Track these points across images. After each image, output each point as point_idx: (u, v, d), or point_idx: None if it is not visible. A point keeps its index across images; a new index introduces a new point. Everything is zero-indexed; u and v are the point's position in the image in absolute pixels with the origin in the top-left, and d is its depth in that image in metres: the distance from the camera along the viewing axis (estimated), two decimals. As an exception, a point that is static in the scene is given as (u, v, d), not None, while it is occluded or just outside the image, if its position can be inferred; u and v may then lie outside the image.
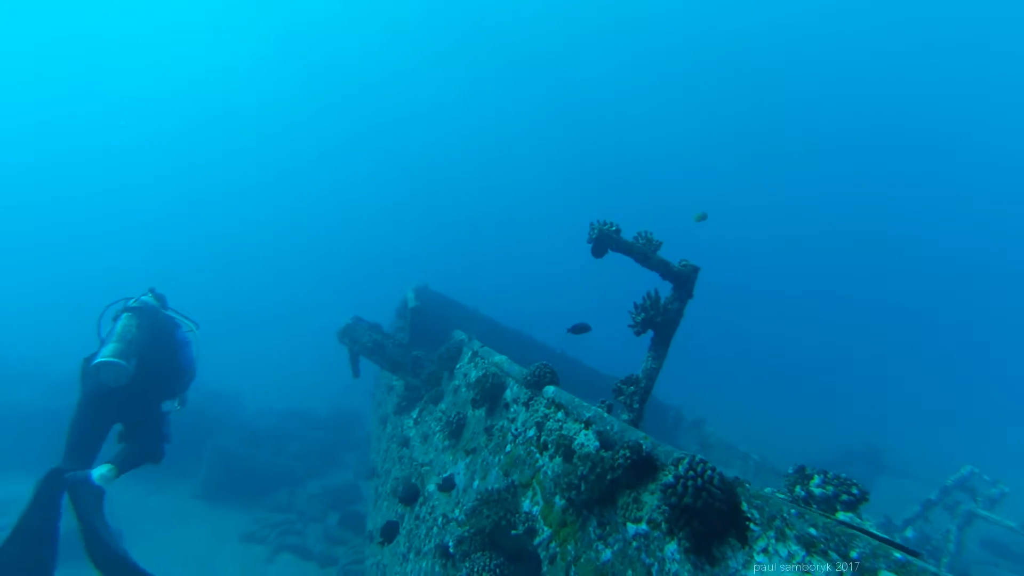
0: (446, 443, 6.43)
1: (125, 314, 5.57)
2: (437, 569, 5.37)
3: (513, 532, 4.08)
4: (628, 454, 3.26)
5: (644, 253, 5.21)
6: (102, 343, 5.40)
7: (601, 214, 5.33)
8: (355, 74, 70.85)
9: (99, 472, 5.03)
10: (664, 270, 5.24)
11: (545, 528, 3.90)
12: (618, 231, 5.19)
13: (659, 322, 5.13)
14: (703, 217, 7.96)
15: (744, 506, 2.48)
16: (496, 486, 4.75)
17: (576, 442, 3.93)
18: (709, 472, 2.62)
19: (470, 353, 7.10)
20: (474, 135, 74.44)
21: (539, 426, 4.53)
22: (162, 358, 5.67)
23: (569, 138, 71.70)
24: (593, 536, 3.39)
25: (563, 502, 3.81)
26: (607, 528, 3.34)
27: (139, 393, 5.43)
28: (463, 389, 6.74)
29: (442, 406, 7.14)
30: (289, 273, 64.43)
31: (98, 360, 5.09)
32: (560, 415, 4.35)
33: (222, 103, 71.17)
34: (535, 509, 4.11)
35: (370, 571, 8.03)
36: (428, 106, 72.70)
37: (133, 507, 14.07)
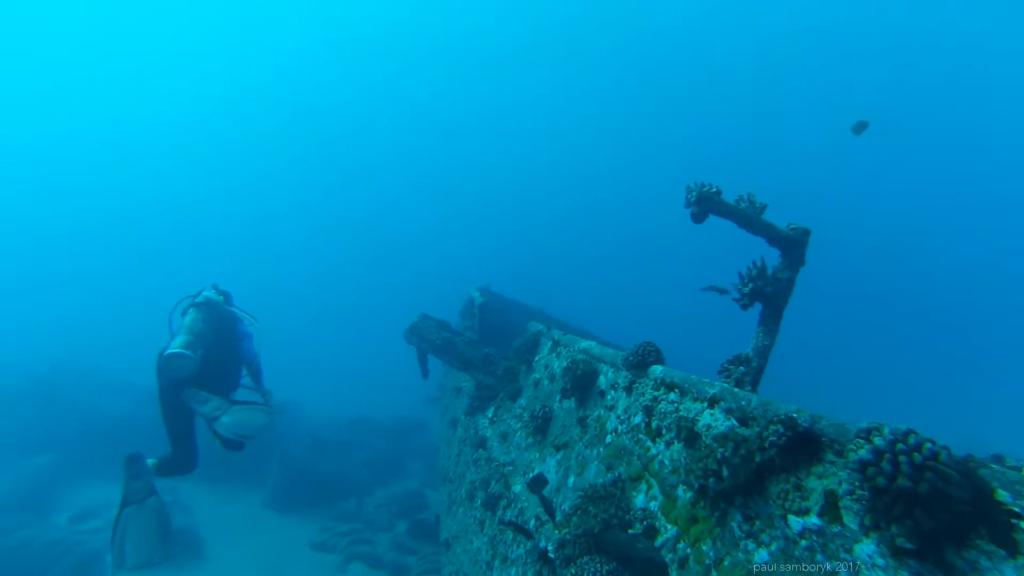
0: (529, 440, 5.91)
1: (192, 309, 5.79)
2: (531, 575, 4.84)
3: (630, 532, 3.51)
4: (782, 430, 2.65)
5: (748, 217, 4.59)
6: (172, 336, 5.57)
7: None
8: (419, 73, 71.76)
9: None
10: (771, 235, 4.61)
11: (669, 526, 3.31)
12: (719, 193, 4.60)
13: (768, 293, 4.49)
14: (863, 126, 7.24)
15: (1004, 495, 1.83)
16: (599, 481, 4.20)
17: (700, 424, 3.33)
18: (929, 446, 1.99)
19: (550, 343, 6.59)
20: (531, 137, 74.36)
21: (647, 411, 3.95)
22: (225, 350, 5.84)
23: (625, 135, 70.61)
24: (739, 533, 2.79)
25: (690, 494, 3.22)
26: (757, 523, 2.73)
27: (208, 378, 5.57)
28: (545, 382, 6.22)
29: (521, 402, 6.64)
30: (345, 282, 65.97)
31: (168, 351, 5.30)
32: (674, 396, 3.76)
33: (280, 103, 73.47)
34: (652, 504, 3.53)
35: (448, 580, 7.57)
36: (490, 108, 72.88)
37: (210, 514, 14.20)
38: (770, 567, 2.55)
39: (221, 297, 6.22)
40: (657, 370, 4.07)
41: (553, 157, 73.75)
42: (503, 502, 6.09)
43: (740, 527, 2.78)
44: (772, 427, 2.68)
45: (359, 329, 51.60)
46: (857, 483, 2.16)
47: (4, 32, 62.46)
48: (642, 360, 4.24)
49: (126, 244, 64.24)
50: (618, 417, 4.40)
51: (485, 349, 7.86)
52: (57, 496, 14.03)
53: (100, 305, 48.16)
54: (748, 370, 4.54)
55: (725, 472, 2.80)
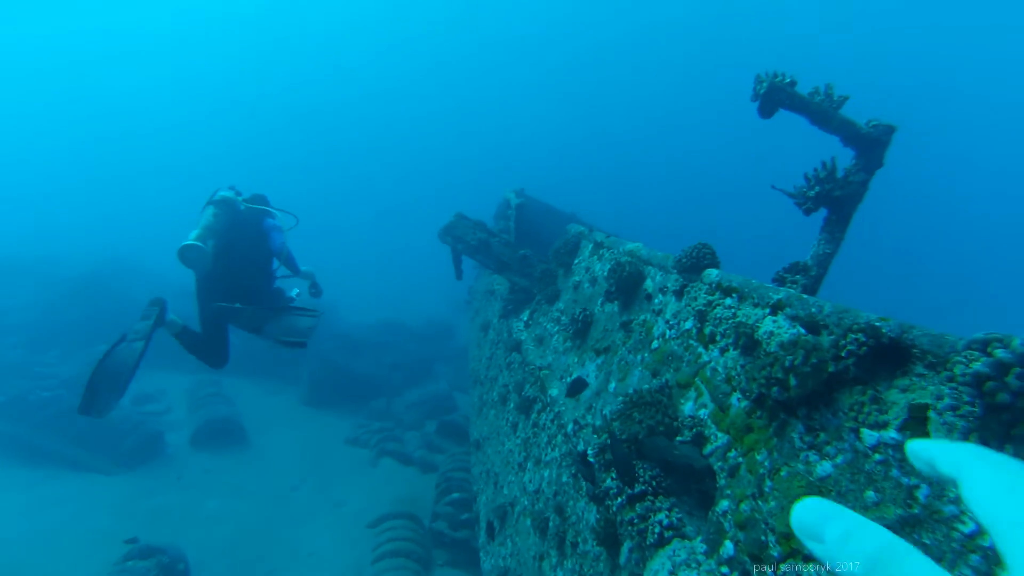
0: (568, 344, 5.76)
1: (208, 206, 6.00)
2: (566, 479, 4.83)
3: (678, 439, 3.35)
4: (863, 339, 2.36)
5: (824, 112, 4.05)
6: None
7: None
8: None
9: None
10: (848, 132, 4.08)
11: (719, 434, 3.13)
12: (793, 84, 4.04)
13: (837, 197, 4.05)
14: None
15: None
16: (643, 387, 4.02)
17: (762, 331, 3.05)
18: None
19: (591, 246, 6.27)
20: (560, 45, 70.27)
21: (700, 316, 3.68)
22: (249, 242, 6.02)
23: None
24: (799, 444, 2.58)
25: (746, 403, 3.00)
26: (821, 435, 2.51)
27: (236, 272, 5.83)
28: (586, 285, 5.97)
29: (559, 305, 6.44)
30: (377, 187, 65.78)
31: (181, 244, 5.49)
32: (731, 301, 3.47)
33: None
34: (702, 412, 3.35)
35: (479, 479, 7.79)
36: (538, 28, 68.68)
37: (255, 406, 14.92)
38: (834, 479, 2.35)
39: (239, 195, 6.32)
40: (712, 273, 3.75)
41: (584, 64, 69.76)
42: (538, 406, 6.07)
43: (802, 438, 2.57)
44: (851, 336, 2.38)
45: (390, 234, 51.86)
46: (967, 398, 1.88)
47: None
48: (696, 263, 3.92)
49: (166, 148, 64.73)
50: (666, 322, 4.15)
51: (521, 251, 7.60)
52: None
53: (140, 205, 49.11)
54: (807, 280, 4.19)
55: (792, 381, 2.55)
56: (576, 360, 5.48)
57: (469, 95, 74.05)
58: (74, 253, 20.16)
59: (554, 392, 5.43)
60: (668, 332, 4.10)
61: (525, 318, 7.29)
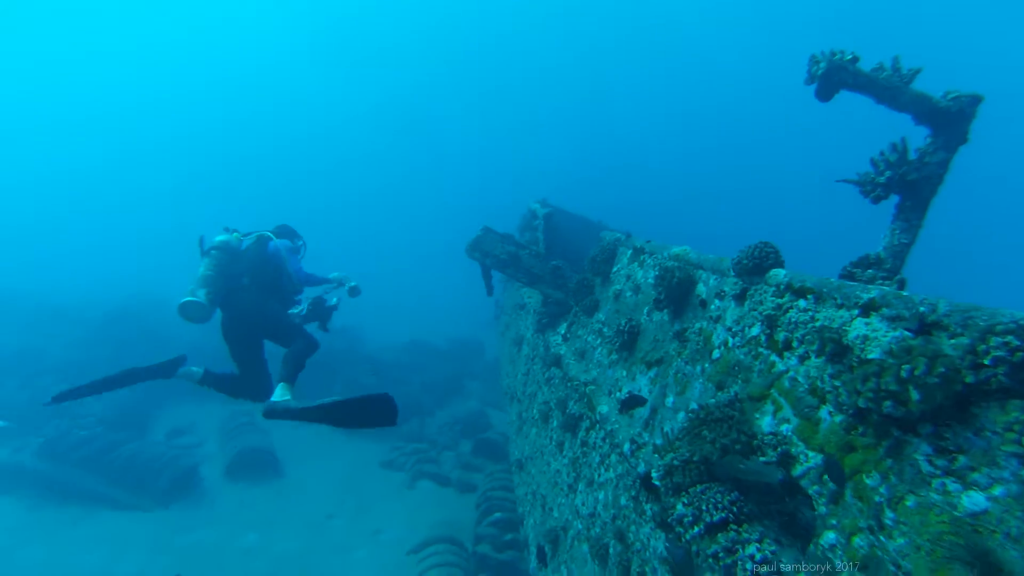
0: (614, 357, 5.44)
1: (203, 259, 5.84)
2: (625, 502, 4.49)
3: (762, 460, 3.01)
4: (1015, 342, 2.00)
5: (892, 87, 3.70)
6: None
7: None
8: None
9: (279, 393, 5.33)
10: (922, 107, 3.72)
11: (810, 453, 2.78)
12: (855, 60, 3.71)
13: (912, 181, 3.68)
14: None
15: None
16: (709, 401, 3.69)
17: (852, 335, 2.70)
18: None
19: (630, 252, 5.96)
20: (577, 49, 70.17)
21: (769, 321, 3.34)
22: (257, 275, 5.87)
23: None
24: (928, 467, 2.21)
25: (841, 417, 2.65)
26: (960, 458, 2.14)
27: (251, 308, 5.73)
28: (628, 293, 5.65)
29: (600, 316, 6.13)
30: (394, 208, 66.21)
31: (178, 302, 5.39)
32: (805, 303, 3.13)
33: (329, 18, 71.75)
34: (784, 428, 3.00)
35: (524, 500, 7.46)
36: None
37: (288, 433, 14.76)
38: (997, 517, 1.98)
39: (234, 232, 6.15)
40: (779, 274, 3.41)
41: (594, 70, 69.53)
42: (585, 423, 5.74)
43: (930, 461, 2.21)
44: (995, 339, 2.03)
45: (409, 253, 52.08)
46: None
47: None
48: (759, 263, 3.59)
49: (183, 171, 66.19)
50: (728, 329, 3.81)
51: (553, 262, 7.31)
52: (155, 416, 14.93)
53: (160, 244, 50.15)
54: (881, 275, 3.83)
55: (914, 394, 2.20)
56: (625, 374, 5.15)
57: (484, 110, 74.35)
58: (105, 292, 20.46)
59: (604, 409, 5.10)
60: (731, 340, 3.76)
61: (563, 331, 6.98)
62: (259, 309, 5.74)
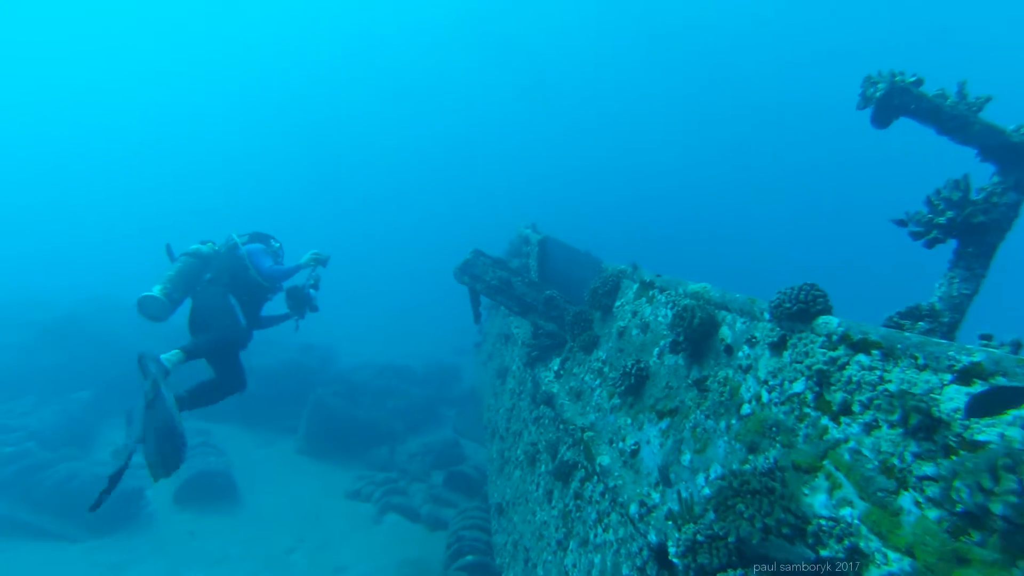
0: (616, 401, 4.91)
1: (173, 263, 6.04)
2: (628, 573, 3.92)
3: (824, 553, 2.49)
4: None
5: (959, 116, 3.32)
6: None
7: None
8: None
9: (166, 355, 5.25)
10: (992, 142, 3.35)
11: (890, 553, 2.25)
12: (918, 83, 3.33)
13: (978, 224, 3.28)
14: None
15: None
16: (743, 467, 3.19)
17: (949, 407, 2.23)
18: None
19: (636, 286, 5.49)
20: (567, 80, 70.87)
21: (820, 377, 2.87)
22: (228, 278, 5.97)
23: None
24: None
25: (936, 513, 2.14)
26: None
27: (204, 297, 5.81)
28: (634, 332, 5.15)
29: (600, 354, 5.61)
30: (372, 228, 65.38)
31: (138, 296, 5.56)
32: (868, 359, 2.66)
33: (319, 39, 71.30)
34: (845, 512, 2.49)
35: (503, 550, 6.80)
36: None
37: (247, 457, 13.87)
38: None
39: (205, 244, 6.27)
40: (832, 323, 2.95)
41: (590, 100, 70.41)
42: (580, 472, 5.17)
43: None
44: None
45: (388, 275, 51.23)
46: None
47: None
48: (804, 308, 3.12)
49: (152, 179, 64.49)
50: (761, 382, 3.33)
51: (547, 291, 6.80)
52: (101, 431, 13.79)
53: (129, 241, 48.44)
54: (933, 326, 3.40)
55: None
56: (630, 422, 4.62)
57: (470, 130, 74.51)
58: (53, 293, 19.20)
59: (605, 460, 4.55)
60: (766, 395, 3.27)
61: (555, 367, 6.45)
62: (209, 297, 5.78)
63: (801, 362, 3.05)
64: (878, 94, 3.22)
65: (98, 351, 15.87)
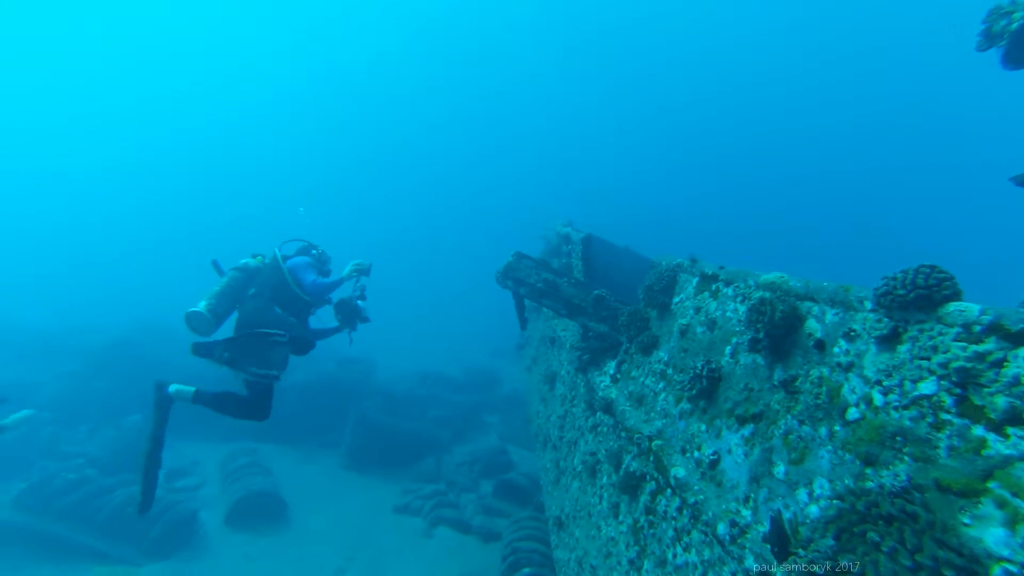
0: (686, 406, 4.48)
1: (221, 278, 6.10)
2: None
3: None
4: None
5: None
6: None
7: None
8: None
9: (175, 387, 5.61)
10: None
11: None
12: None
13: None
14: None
15: None
16: (851, 481, 2.74)
17: None
18: None
19: (695, 280, 5.04)
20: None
21: (962, 377, 2.40)
22: (273, 292, 5.92)
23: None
24: None
25: None
26: None
27: (247, 312, 5.77)
28: (699, 330, 4.71)
29: (661, 355, 5.18)
30: (401, 240, 65.75)
31: (186, 312, 5.62)
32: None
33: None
34: None
35: (566, 567, 6.41)
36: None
37: (291, 475, 13.80)
38: None
39: (255, 258, 6.33)
40: (972, 310, 2.47)
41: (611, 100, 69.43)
42: (650, 485, 4.75)
43: None
44: None
45: (415, 279, 51.38)
46: None
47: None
48: (926, 294, 2.65)
49: (201, 207, 66.27)
50: (871, 382, 2.86)
51: (595, 291, 6.39)
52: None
53: (175, 267, 49.77)
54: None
55: None
56: (704, 428, 4.19)
57: (499, 136, 74.30)
58: (105, 321, 19.61)
59: (680, 472, 4.12)
60: (879, 397, 2.80)
61: (611, 371, 6.03)
62: (252, 312, 5.73)
63: (928, 358, 2.57)
64: (1014, 26, 2.72)
65: (149, 374, 16.08)
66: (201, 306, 5.55)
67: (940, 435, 2.43)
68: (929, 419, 2.50)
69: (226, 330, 5.90)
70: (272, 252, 6.25)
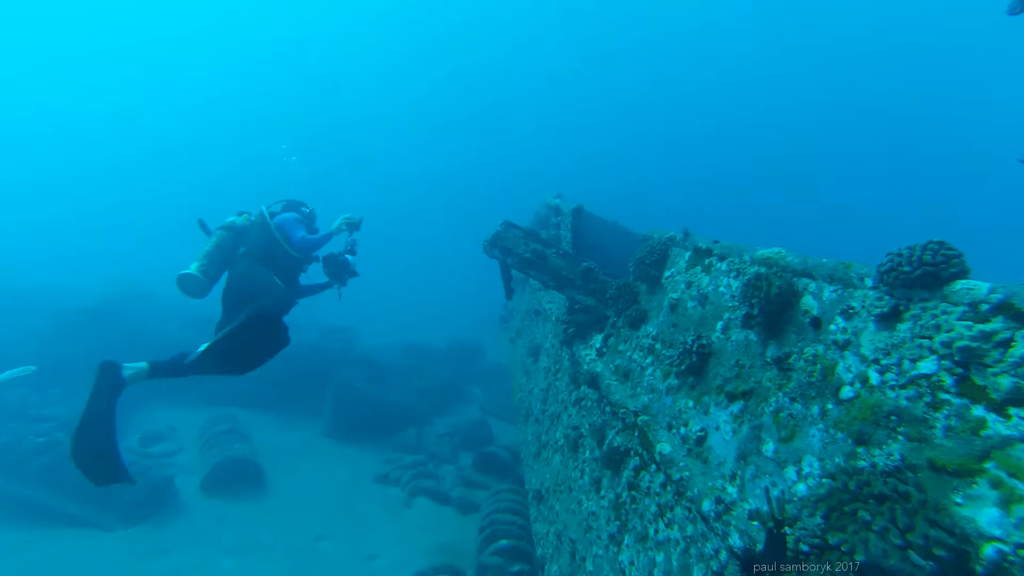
0: (673, 382, 4.41)
1: (209, 237, 5.96)
2: (703, 577, 3.46)
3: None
4: None
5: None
6: None
7: None
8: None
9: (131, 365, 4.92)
10: None
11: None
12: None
13: None
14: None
15: None
16: (842, 460, 2.68)
17: None
18: None
19: (688, 254, 4.94)
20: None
21: (965, 356, 2.32)
22: (263, 249, 5.80)
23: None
24: None
25: None
26: None
27: (238, 272, 5.65)
28: (690, 304, 4.62)
29: (649, 329, 5.09)
30: (385, 208, 64.97)
31: (178, 274, 5.51)
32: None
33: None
34: None
35: (545, 539, 6.41)
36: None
37: (271, 442, 13.70)
38: None
39: (241, 216, 6.20)
40: (980, 288, 2.39)
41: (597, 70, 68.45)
42: (633, 460, 4.70)
43: None
44: None
45: (405, 248, 50.95)
46: None
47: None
48: (932, 271, 2.56)
49: (183, 173, 64.75)
50: (869, 360, 2.79)
51: (584, 263, 6.28)
52: (129, 419, 13.67)
53: (158, 232, 48.70)
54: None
55: None
56: (692, 404, 4.12)
57: (484, 104, 73.16)
58: (83, 281, 19.07)
59: (666, 448, 4.06)
60: (875, 376, 2.73)
61: (597, 345, 5.95)
62: (245, 270, 5.62)
63: (930, 337, 2.49)
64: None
65: (127, 339, 15.73)
66: (193, 268, 5.46)
67: (937, 415, 2.37)
68: (927, 399, 2.43)
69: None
70: (259, 209, 6.13)
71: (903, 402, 2.54)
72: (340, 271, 6.24)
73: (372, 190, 68.16)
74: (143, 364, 4.84)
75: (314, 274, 6.44)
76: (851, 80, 61.07)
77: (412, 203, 66.56)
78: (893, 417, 2.56)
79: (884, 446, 2.55)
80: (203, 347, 4.91)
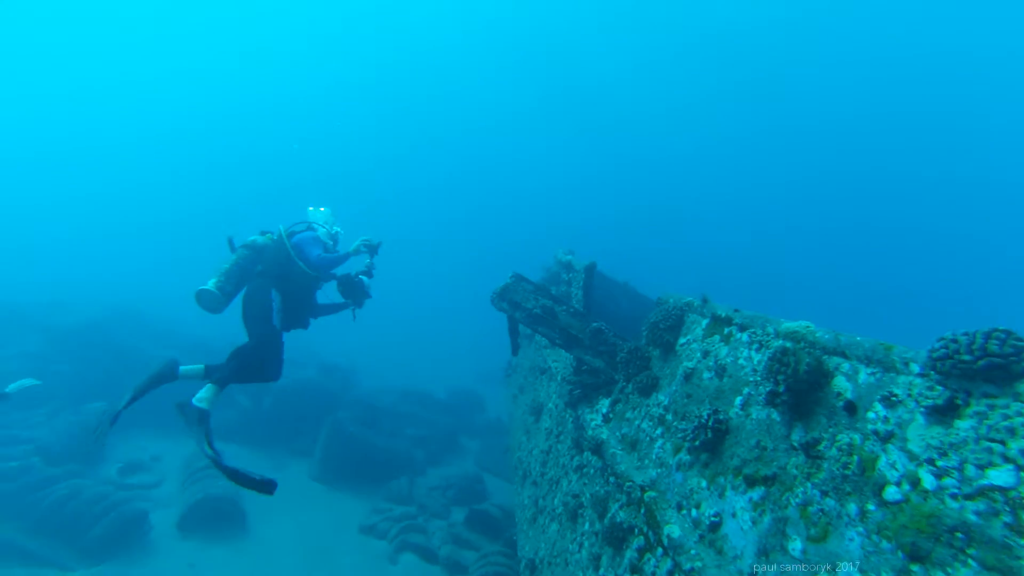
0: (685, 458, 4.03)
1: (231, 255, 6.09)
2: None
3: None
4: None
5: None
6: None
7: None
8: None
9: (201, 394, 5.24)
10: None
11: None
12: None
13: None
14: None
15: None
16: (888, 572, 2.29)
17: None
18: None
19: (706, 321, 4.64)
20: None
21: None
22: (280, 268, 5.97)
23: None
24: None
25: None
26: None
27: (251, 290, 5.84)
28: (706, 375, 4.29)
29: (661, 399, 4.74)
30: (396, 254, 64.95)
31: (197, 289, 5.62)
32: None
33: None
34: None
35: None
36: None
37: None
38: None
39: (264, 236, 6.30)
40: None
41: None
42: (638, 540, 4.27)
43: None
44: None
45: (409, 296, 50.81)
46: None
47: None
48: (1002, 364, 2.23)
49: (188, 196, 65.70)
50: (919, 459, 2.44)
51: (594, 323, 5.98)
52: (112, 446, 13.16)
53: (160, 254, 49.06)
54: None
55: None
56: (704, 484, 3.74)
57: (497, 159, 74.41)
58: (77, 300, 18.83)
59: (674, 531, 3.66)
60: (930, 479, 2.37)
61: (604, 410, 5.58)
62: (253, 292, 5.78)
63: (1003, 442, 2.15)
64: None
65: (118, 361, 15.41)
66: (211, 284, 5.58)
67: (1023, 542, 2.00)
68: (1006, 518, 2.06)
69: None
70: (278, 229, 6.28)
71: (971, 516, 2.17)
72: (356, 292, 6.30)
73: (386, 234, 68.59)
74: (199, 366, 5.43)
75: (331, 293, 6.57)
76: (891, 159, 61.80)
77: (426, 245, 66.92)
78: (959, 534, 2.18)
79: (949, 568, 2.16)
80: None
